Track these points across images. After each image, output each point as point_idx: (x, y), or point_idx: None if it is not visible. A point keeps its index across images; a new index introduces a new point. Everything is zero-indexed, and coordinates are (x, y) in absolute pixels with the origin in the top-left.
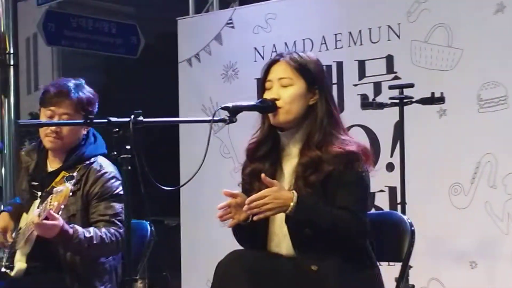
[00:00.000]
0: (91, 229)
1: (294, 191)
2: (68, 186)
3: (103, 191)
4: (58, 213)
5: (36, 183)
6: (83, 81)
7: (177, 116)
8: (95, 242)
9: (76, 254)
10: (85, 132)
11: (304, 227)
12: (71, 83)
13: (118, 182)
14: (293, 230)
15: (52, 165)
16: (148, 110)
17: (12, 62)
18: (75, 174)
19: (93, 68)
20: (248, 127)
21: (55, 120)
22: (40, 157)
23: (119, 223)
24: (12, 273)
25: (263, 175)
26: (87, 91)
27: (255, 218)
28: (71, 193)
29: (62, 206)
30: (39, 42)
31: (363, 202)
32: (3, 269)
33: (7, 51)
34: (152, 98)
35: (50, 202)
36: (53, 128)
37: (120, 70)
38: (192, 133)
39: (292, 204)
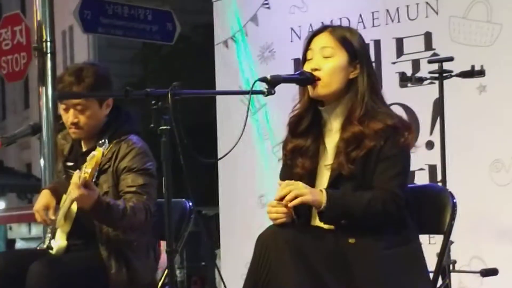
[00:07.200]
0: (121, 201)
1: (323, 189)
2: (100, 149)
3: (131, 165)
4: (92, 179)
5: (71, 164)
6: (93, 63)
7: (213, 100)
8: (127, 213)
9: (109, 225)
10: (106, 112)
11: (338, 220)
12: (76, 72)
13: (147, 158)
14: (328, 224)
15: (86, 145)
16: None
17: (49, 50)
18: (106, 140)
19: (129, 60)
20: (287, 109)
21: (71, 111)
22: (75, 139)
23: (146, 195)
24: (53, 251)
25: None
26: (94, 73)
27: (287, 201)
28: (102, 158)
29: (96, 173)
30: (75, 35)
31: (402, 177)
32: (45, 247)
33: (44, 39)
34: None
35: (85, 170)
36: (70, 119)
37: (156, 61)
38: (231, 116)
39: (324, 203)
